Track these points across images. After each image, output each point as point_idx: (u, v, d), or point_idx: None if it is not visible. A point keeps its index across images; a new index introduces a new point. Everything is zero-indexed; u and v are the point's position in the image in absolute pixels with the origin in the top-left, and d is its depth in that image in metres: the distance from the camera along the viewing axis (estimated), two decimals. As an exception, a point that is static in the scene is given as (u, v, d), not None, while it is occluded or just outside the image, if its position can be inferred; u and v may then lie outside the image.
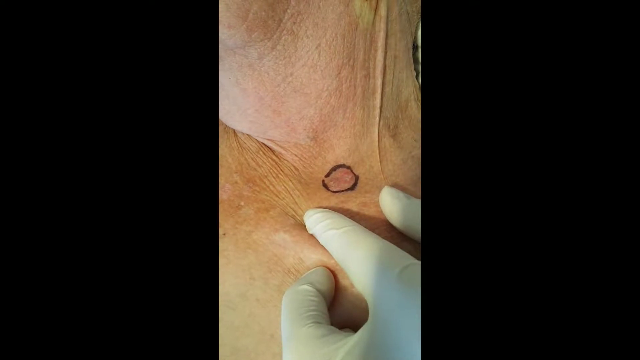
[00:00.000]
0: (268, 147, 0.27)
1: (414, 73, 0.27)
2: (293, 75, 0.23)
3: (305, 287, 0.21)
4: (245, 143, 0.27)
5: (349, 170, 0.25)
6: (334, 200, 0.25)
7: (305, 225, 0.24)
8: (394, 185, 0.24)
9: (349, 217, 0.23)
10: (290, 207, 0.25)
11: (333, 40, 0.22)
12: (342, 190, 0.25)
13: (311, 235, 0.24)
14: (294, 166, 0.26)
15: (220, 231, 0.25)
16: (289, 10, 0.21)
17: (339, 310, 0.23)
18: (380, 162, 0.25)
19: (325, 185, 0.25)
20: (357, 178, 0.25)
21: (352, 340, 0.18)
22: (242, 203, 0.25)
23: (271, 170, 0.26)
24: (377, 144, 0.25)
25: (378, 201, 0.24)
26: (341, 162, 0.26)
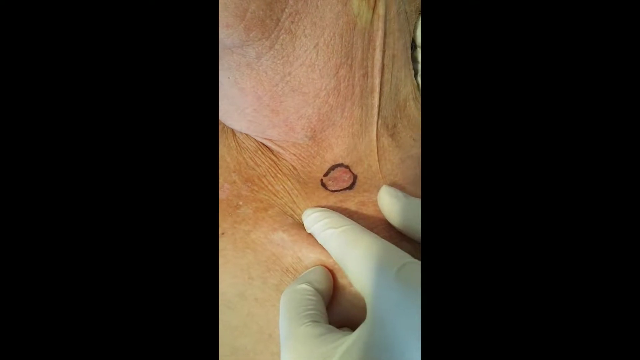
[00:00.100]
0: (266, 146, 0.27)
1: (413, 72, 0.27)
2: (291, 74, 0.23)
3: (304, 286, 0.21)
4: (243, 142, 0.27)
5: (348, 169, 0.25)
6: (333, 200, 0.25)
7: (303, 225, 0.24)
8: (393, 185, 0.24)
9: (348, 216, 0.23)
10: (288, 206, 0.25)
11: (331, 39, 0.22)
12: (341, 190, 0.25)
13: (309, 234, 0.24)
14: (292, 165, 0.26)
15: (219, 230, 0.25)
16: (286, 10, 0.21)
17: (337, 309, 0.23)
18: (379, 161, 0.25)
19: (323, 185, 0.25)
20: (355, 177, 0.25)
21: (350, 339, 0.18)
22: (240, 202, 0.25)
23: (270, 170, 0.26)
24: (375, 143, 0.25)
25: (376, 200, 0.24)
26: (339, 161, 0.26)
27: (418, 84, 0.28)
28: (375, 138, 0.25)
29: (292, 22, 0.21)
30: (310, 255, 0.23)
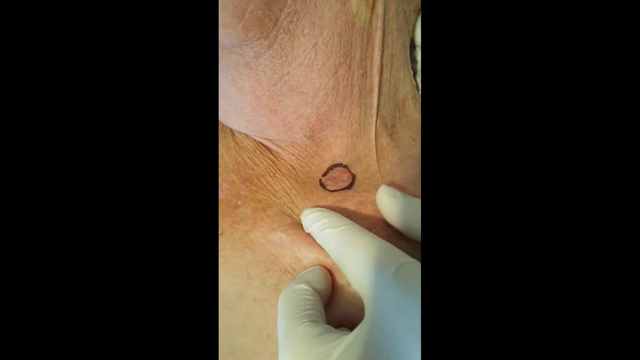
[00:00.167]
0: (265, 146, 0.27)
1: (411, 72, 0.27)
2: (290, 74, 0.23)
3: (302, 286, 0.21)
4: (242, 142, 0.27)
5: (346, 169, 0.25)
6: (331, 200, 0.25)
7: (302, 225, 0.24)
8: (391, 184, 0.24)
9: (346, 216, 0.23)
10: (287, 206, 0.25)
11: (330, 39, 0.22)
12: (339, 190, 0.25)
13: (308, 234, 0.24)
14: (291, 165, 0.26)
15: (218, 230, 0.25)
16: (285, 9, 0.21)
17: (336, 309, 0.23)
18: (378, 161, 0.25)
19: (322, 185, 0.25)
20: (354, 177, 0.25)
21: (348, 339, 0.18)
22: (239, 202, 0.25)
23: (268, 170, 0.26)
24: (374, 142, 0.25)
25: (375, 200, 0.24)
26: (338, 161, 0.25)
27: (417, 84, 0.28)
28: (374, 138, 0.25)
29: (291, 22, 0.21)
30: (308, 255, 0.23)
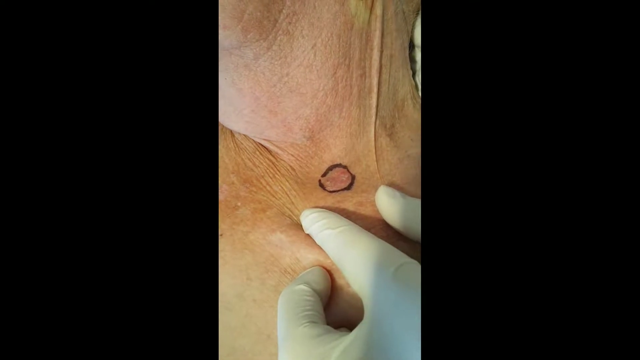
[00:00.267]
0: (265, 147, 0.27)
1: (411, 72, 0.27)
2: (289, 75, 0.23)
3: (302, 287, 0.21)
4: (242, 143, 0.27)
5: (346, 169, 0.25)
6: (331, 200, 0.25)
7: (301, 225, 0.24)
8: (391, 185, 0.24)
9: (345, 217, 0.23)
10: (286, 207, 0.25)
11: (329, 40, 0.22)
12: (339, 190, 0.25)
13: (308, 235, 0.24)
14: (290, 166, 0.26)
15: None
16: (284, 11, 0.21)
17: (335, 309, 0.23)
18: (377, 161, 0.25)
19: (321, 185, 0.25)
20: (353, 178, 0.25)
21: (348, 340, 0.18)
22: (239, 203, 0.25)
23: (268, 171, 0.26)
24: (373, 143, 0.25)
25: (374, 201, 0.24)
26: (337, 161, 0.26)
27: (416, 84, 0.28)
28: (373, 138, 0.25)
29: (290, 23, 0.21)
30: (308, 256, 0.23)
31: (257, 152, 0.27)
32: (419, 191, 0.25)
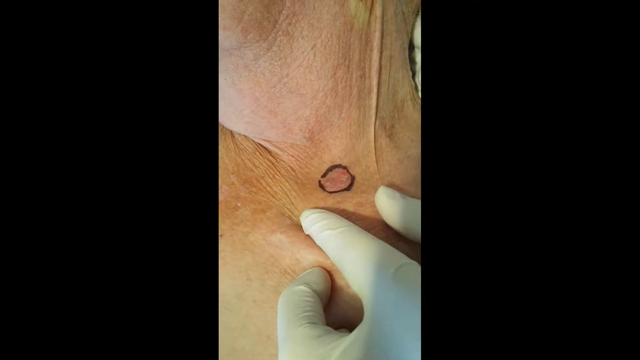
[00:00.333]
0: (265, 147, 0.27)
1: (410, 73, 0.27)
2: (289, 76, 0.23)
3: (302, 287, 0.21)
4: (241, 144, 0.27)
5: (345, 170, 0.25)
6: (330, 201, 0.25)
7: (301, 226, 0.24)
8: (390, 185, 0.24)
9: (345, 218, 0.23)
10: (286, 207, 0.25)
11: (328, 40, 0.22)
12: (338, 191, 0.25)
13: (307, 235, 0.24)
14: (290, 167, 0.26)
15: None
16: (284, 11, 0.21)
17: (335, 310, 0.23)
18: (377, 162, 0.25)
19: (321, 186, 0.25)
20: (353, 178, 0.25)
21: (347, 340, 0.18)
22: (238, 204, 0.25)
23: (268, 171, 0.26)
24: (373, 144, 0.25)
25: (374, 201, 0.24)
26: (337, 162, 0.26)
27: (416, 85, 0.28)
28: (373, 139, 0.25)
29: (290, 24, 0.21)
30: (308, 257, 0.23)
31: (257, 153, 0.27)
32: (418, 192, 0.25)
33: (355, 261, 0.20)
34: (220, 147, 0.28)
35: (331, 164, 0.26)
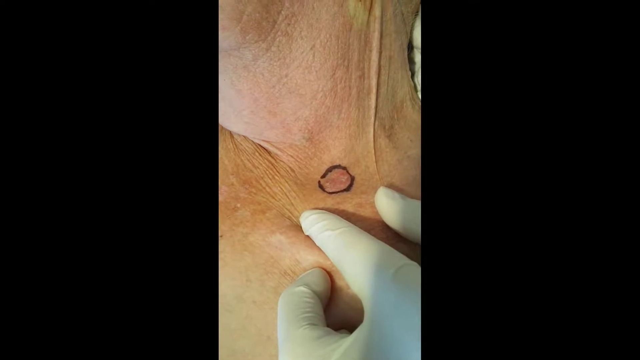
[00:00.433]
0: (264, 148, 0.27)
1: (409, 73, 0.27)
2: (288, 76, 0.23)
3: (301, 288, 0.21)
4: (241, 144, 0.27)
5: (345, 171, 0.25)
6: (330, 202, 0.25)
7: (301, 227, 0.24)
8: (390, 186, 0.24)
9: (345, 218, 0.23)
10: (286, 208, 0.25)
11: (327, 41, 0.22)
12: (338, 191, 0.25)
13: (307, 236, 0.24)
14: (289, 167, 0.26)
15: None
16: (283, 12, 0.21)
17: (335, 311, 0.23)
18: (376, 162, 0.25)
19: (321, 187, 0.25)
20: (352, 179, 0.25)
21: (348, 342, 0.18)
22: (238, 205, 0.25)
23: (267, 172, 0.26)
24: (372, 144, 0.25)
25: (374, 202, 0.24)
26: (337, 162, 0.26)
27: (415, 85, 0.28)
28: (372, 139, 0.25)
29: (289, 24, 0.21)
30: (308, 258, 0.23)
31: (257, 153, 0.27)
32: (418, 192, 0.25)
33: (355, 262, 0.20)
34: (219, 148, 0.28)
35: (331, 165, 0.26)
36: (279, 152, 0.26)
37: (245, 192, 0.26)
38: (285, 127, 0.25)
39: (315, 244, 0.23)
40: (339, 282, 0.23)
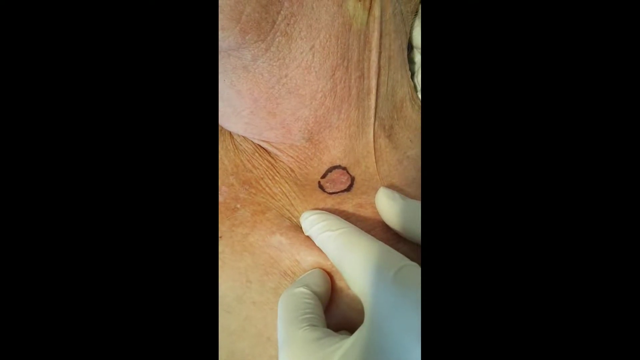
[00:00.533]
0: (264, 148, 0.27)
1: (409, 73, 0.27)
2: (287, 76, 0.23)
3: (301, 289, 0.21)
4: (241, 145, 0.27)
5: (345, 171, 0.25)
6: (330, 202, 0.25)
7: (301, 227, 0.24)
8: (390, 186, 0.24)
9: (345, 219, 0.23)
10: (286, 209, 0.25)
11: (327, 41, 0.22)
12: (338, 192, 0.25)
13: (307, 237, 0.23)
14: (289, 168, 0.26)
15: (216, 234, 0.25)
16: (282, 12, 0.21)
17: (335, 312, 0.23)
18: (376, 162, 0.25)
19: (321, 187, 0.25)
20: (352, 179, 0.25)
21: (348, 343, 0.18)
22: (238, 205, 0.25)
23: (267, 172, 0.26)
24: (372, 144, 0.25)
25: (374, 202, 0.24)
26: (337, 163, 0.25)
27: (415, 85, 0.28)
28: (372, 139, 0.25)
29: (288, 25, 0.21)
30: (308, 258, 0.23)
31: (256, 154, 0.27)
32: (418, 192, 0.24)
33: (355, 263, 0.20)
34: (219, 148, 0.28)
35: (330, 165, 0.25)
36: (278, 153, 0.26)
37: (245, 193, 0.26)
38: (285, 127, 0.25)
39: (315, 244, 0.23)
40: (339, 283, 0.23)
